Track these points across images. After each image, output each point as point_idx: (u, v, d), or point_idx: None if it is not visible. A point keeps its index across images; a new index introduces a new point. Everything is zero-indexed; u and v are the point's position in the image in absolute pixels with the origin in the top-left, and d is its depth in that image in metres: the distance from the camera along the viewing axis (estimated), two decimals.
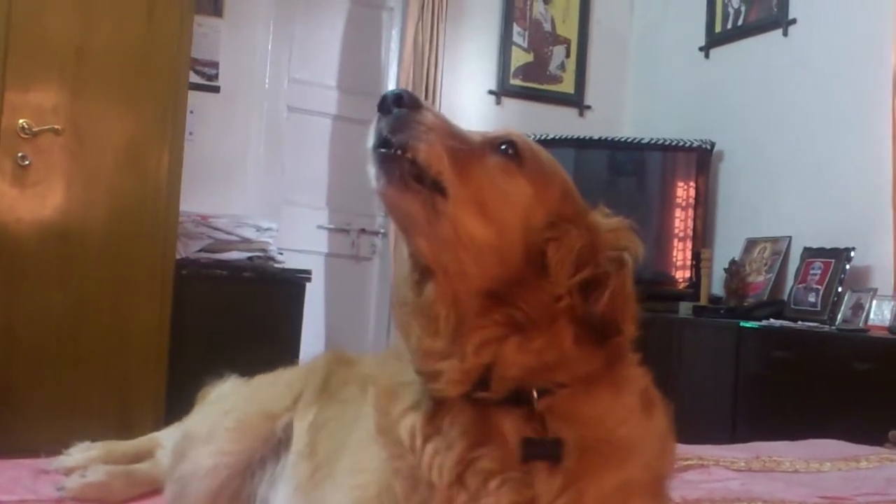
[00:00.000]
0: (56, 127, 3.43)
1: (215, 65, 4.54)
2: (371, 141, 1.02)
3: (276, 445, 1.45)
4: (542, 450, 1.02)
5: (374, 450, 1.12)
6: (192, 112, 4.00)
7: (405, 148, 0.99)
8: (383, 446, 1.10)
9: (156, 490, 1.57)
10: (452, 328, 1.02)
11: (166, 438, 1.66)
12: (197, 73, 4.36)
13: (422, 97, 1.04)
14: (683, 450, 2.11)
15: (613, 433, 1.05)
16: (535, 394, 1.02)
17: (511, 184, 1.05)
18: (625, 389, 1.09)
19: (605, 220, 1.12)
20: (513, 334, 1.02)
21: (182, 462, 1.46)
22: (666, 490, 1.13)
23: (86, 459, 1.63)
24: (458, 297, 1.02)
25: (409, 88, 4.85)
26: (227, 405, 1.53)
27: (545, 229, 1.05)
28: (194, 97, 4.11)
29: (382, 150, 1.00)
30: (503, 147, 1.08)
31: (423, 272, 1.05)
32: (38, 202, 3.43)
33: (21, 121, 3.38)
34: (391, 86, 5.07)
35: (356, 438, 1.25)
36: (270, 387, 1.56)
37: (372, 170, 1.01)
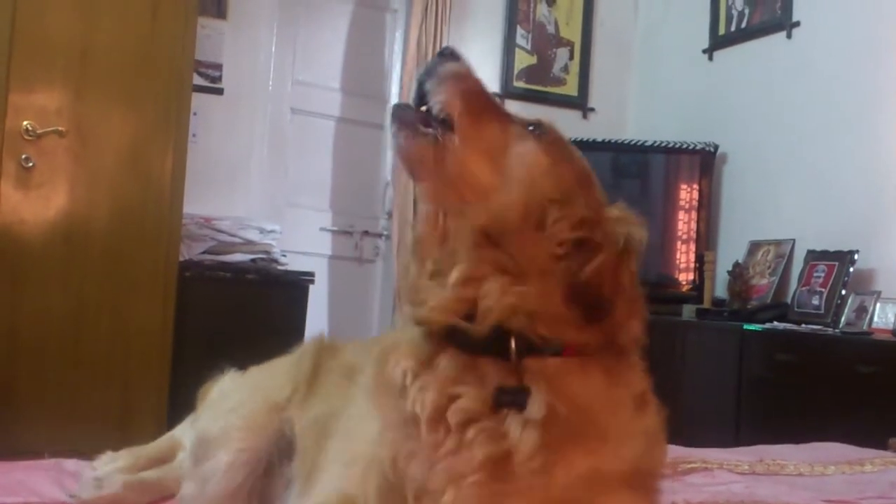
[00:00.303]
0: (60, 129, 3.43)
1: (219, 67, 4.54)
2: (412, 88, 1.15)
3: (287, 445, 1.46)
4: (509, 397, 1.03)
5: (364, 423, 1.15)
6: (195, 114, 4.00)
7: (427, 92, 1.10)
8: (376, 401, 1.13)
9: (166, 497, 1.57)
10: (442, 262, 1.07)
11: (185, 437, 1.66)
12: (200, 75, 4.37)
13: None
14: (687, 453, 2.10)
15: (597, 416, 1.05)
16: (513, 343, 1.04)
17: (526, 149, 1.11)
18: (620, 383, 1.09)
19: (618, 210, 1.15)
20: (500, 275, 1.04)
21: (201, 464, 1.47)
22: (653, 487, 1.13)
23: (114, 471, 1.62)
24: (451, 232, 1.07)
25: (412, 91, 4.83)
26: (233, 402, 1.54)
27: (551, 194, 1.08)
28: (198, 99, 4.11)
29: (398, 104, 1.12)
30: (531, 127, 1.14)
31: (425, 209, 1.11)
32: (42, 204, 3.43)
33: (25, 123, 3.38)
34: (394, 88, 5.07)
35: (343, 422, 1.29)
36: (270, 377, 1.58)
37: (390, 125, 1.13)
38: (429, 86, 1.11)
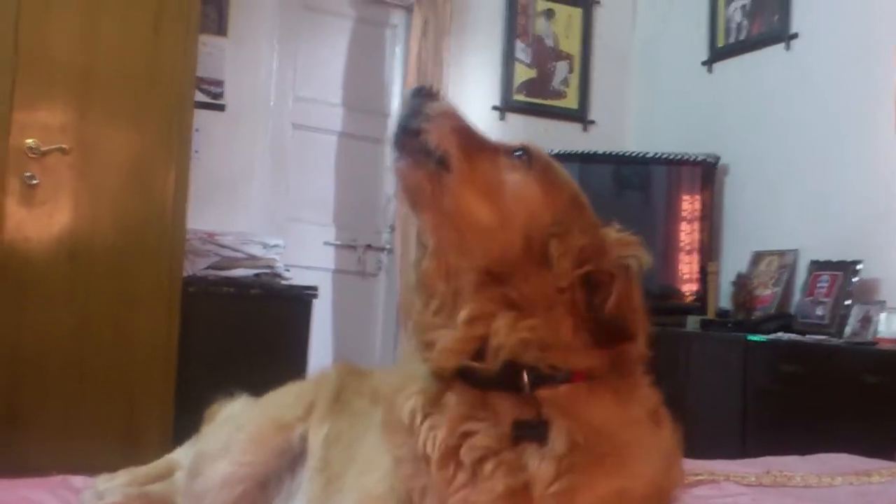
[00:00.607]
0: (63, 146, 3.44)
1: (220, 83, 4.56)
2: (394, 127, 1.14)
3: (292, 459, 1.45)
4: (529, 431, 1.04)
5: (382, 456, 1.14)
6: (197, 130, 4.01)
7: (418, 130, 1.10)
8: (387, 438, 1.13)
9: None
10: (449, 301, 1.07)
11: (184, 458, 1.65)
12: (202, 91, 4.38)
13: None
14: (693, 465, 2.10)
15: (614, 437, 1.06)
16: (525, 375, 1.04)
17: (518, 180, 1.11)
18: (632, 401, 1.10)
19: (614, 232, 1.15)
20: (507, 310, 1.05)
21: (197, 479, 1.46)
22: None
23: (115, 486, 1.62)
24: (455, 270, 1.07)
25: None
26: (240, 421, 1.54)
27: (551, 226, 1.09)
28: (200, 116, 4.12)
29: (399, 132, 1.12)
30: (517, 153, 1.15)
31: (426, 249, 1.10)
32: (46, 221, 3.44)
33: (29, 140, 3.39)
34: (395, 103, 5.09)
35: (366, 447, 1.27)
36: (281, 398, 1.57)
37: (390, 150, 1.12)
38: (416, 124, 1.11)
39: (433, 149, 1.09)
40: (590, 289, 1.07)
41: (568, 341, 1.06)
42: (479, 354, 1.05)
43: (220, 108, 4.55)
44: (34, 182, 3.39)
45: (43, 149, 3.41)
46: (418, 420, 1.07)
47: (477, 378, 1.05)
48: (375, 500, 1.14)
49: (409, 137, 1.11)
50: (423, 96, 1.14)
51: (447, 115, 1.13)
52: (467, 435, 1.04)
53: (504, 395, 1.05)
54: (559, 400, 1.04)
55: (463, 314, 1.05)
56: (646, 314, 1.12)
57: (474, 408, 1.05)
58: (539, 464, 1.02)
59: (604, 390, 1.07)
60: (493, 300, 1.05)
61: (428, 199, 1.08)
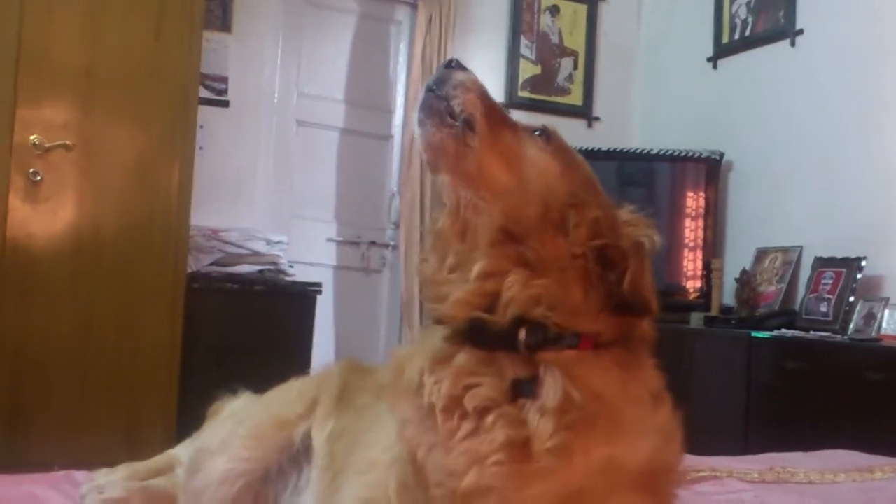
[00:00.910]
0: (67, 143, 3.45)
1: (224, 80, 4.56)
2: (422, 90, 1.18)
3: (294, 455, 1.46)
4: (523, 387, 1.06)
5: (387, 433, 1.17)
6: (201, 127, 4.01)
7: (445, 95, 1.15)
8: (394, 403, 1.14)
9: None
10: (464, 256, 1.10)
11: (185, 454, 1.65)
12: (206, 88, 4.39)
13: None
14: (696, 461, 2.10)
15: (612, 406, 1.07)
16: (523, 333, 1.06)
17: (537, 154, 1.16)
18: (636, 379, 1.12)
19: (627, 213, 1.19)
20: (519, 267, 1.08)
21: (196, 475, 1.46)
22: (669, 484, 1.13)
23: (115, 479, 1.62)
24: (472, 227, 1.10)
25: (418, 101, 4.84)
26: (241, 417, 1.54)
27: (567, 197, 1.13)
28: (204, 112, 4.13)
29: (426, 94, 1.16)
30: (536, 132, 1.19)
31: (447, 204, 1.14)
32: (50, 217, 3.45)
33: (32, 137, 3.40)
34: (399, 99, 5.09)
35: (371, 437, 1.29)
36: (282, 396, 1.57)
37: (415, 113, 1.17)
38: (445, 90, 1.15)
39: (460, 111, 1.13)
40: (603, 263, 1.10)
41: (578, 303, 1.08)
42: (491, 310, 1.07)
43: (225, 104, 4.56)
44: (38, 178, 3.40)
45: (47, 145, 3.42)
46: (425, 377, 1.10)
47: (486, 334, 1.07)
48: (380, 468, 1.17)
49: (436, 100, 1.15)
50: (454, 67, 1.18)
51: (475, 85, 1.17)
52: (471, 386, 1.06)
53: (509, 355, 1.07)
54: (562, 361, 1.06)
55: (477, 268, 1.08)
56: (654, 287, 1.14)
57: (479, 364, 1.08)
58: (538, 419, 1.04)
59: (609, 361, 1.09)
60: (507, 257, 1.08)
61: (451, 158, 1.12)
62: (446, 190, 1.14)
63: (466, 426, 1.05)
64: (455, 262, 1.11)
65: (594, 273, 1.09)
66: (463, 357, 1.09)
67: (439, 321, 1.12)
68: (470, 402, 1.06)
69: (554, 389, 1.05)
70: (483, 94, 1.17)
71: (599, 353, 1.09)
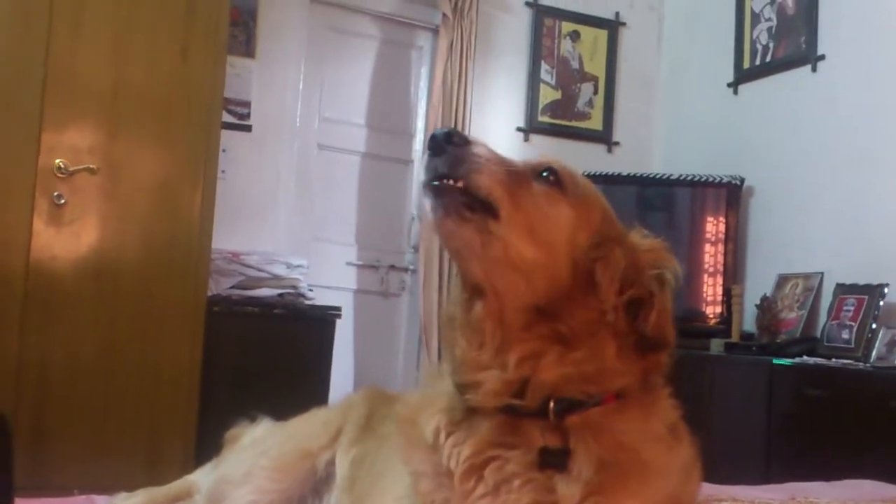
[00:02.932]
0: (91, 166, 3.49)
1: (247, 104, 4.60)
2: (426, 176, 1.09)
3: (316, 484, 1.45)
4: (552, 458, 1.05)
5: (406, 475, 1.15)
6: (224, 151, 4.05)
7: (463, 179, 1.06)
8: (407, 455, 1.14)
9: None
10: (498, 342, 1.07)
11: (202, 481, 1.65)
12: (229, 112, 4.43)
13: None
14: (717, 490, 2.08)
15: (638, 454, 1.07)
16: (552, 405, 1.05)
17: (555, 208, 1.11)
18: (654, 416, 1.12)
19: (643, 240, 1.17)
20: (555, 345, 1.06)
21: None
22: None
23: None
24: (506, 312, 1.07)
25: (439, 126, 4.88)
26: (264, 446, 1.54)
27: (590, 249, 1.10)
28: (227, 136, 4.16)
29: (437, 183, 1.07)
30: (545, 174, 1.14)
31: (472, 292, 1.10)
32: (73, 240, 3.48)
33: (57, 161, 3.44)
34: (420, 124, 5.11)
35: (392, 469, 1.28)
36: (306, 426, 1.57)
37: (428, 202, 1.09)
38: (463, 174, 1.07)
39: (482, 198, 1.06)
40: (631, 307, 1.10)
41: (611, 365, 1.08)
42: (522, 392, 1.06)
43: (247, 128, 4.59)
44: (62, 202, 3.44)
45: (71, 169, 3.45)
46: (442, 438, 1.09)
47: (512, 410, 1.07)
48: None
49: (449, 189, 1.07)
50: (458, 143, 1.09)
51: (489, 160, 1.09)
52: (493, 458, 1.05)
53: (534, 422, 1.07)
54: (589, 422, 1.06)
55: (514, 357, 1.06)
56: (673, 319, 1.14)
57: (503, 433, 1.07)
58: (567, 486, 1.03)
59: (631, 406, 1.10)
60: (541, 338, 1.07)
61: (477, 250, 1.07)
62: (476, 277, 1.09)
63: (482, 489, 1.05)
64: (486, 344, 1.08)
65: (624, 324, 1.09)
66: (485, 425, 1.07)
67: (472, 407, 1.09)
68: (491, 476, 1.05)
69: (587, 464, 1.04)
70: (496, 167, 1.09)
71: (623, 402, 1.09)
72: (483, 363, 1.07)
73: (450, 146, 1.08)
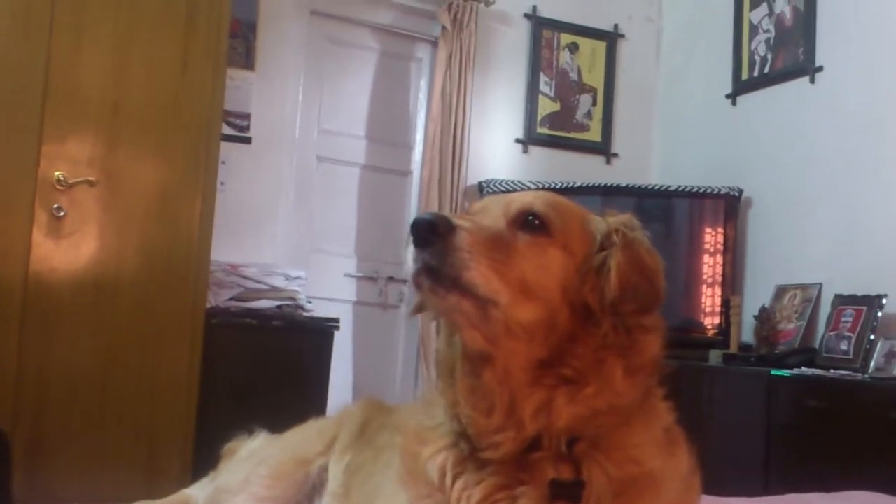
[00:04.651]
0: (91, 179, 3.49)
1: (247, 116, 4.62)
2: (414, 268, 1.05)
3: (310, 490, 1.46)
4: (564, 491, 1.05)
5: (403, 496, 1.15)
6: (223, 163, 4.06)
7: (456, 277, 1.03)
8: (409, 489, 1.13)
9: None
10: (507, 403, 1.06)
11: (200, 494, 1.66)
12: (229, 124, 4.44)
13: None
14: (716, 501, 2.08)
15: (645, 467, 1.07)
16: (563, 446, 1.06)
17: (546, 257, 1.10)
18: (652, 422, 1.12)
19: (612, 219, 1.17)
20: (562, 388, 1.06)
21: None
22: None
23: None
24: (510, 373, 1.06)
25: (438, 137, 4.90)
26: (261, 456, 1.54)
27: (580, 278, 1.10)
28: (226, 148, 4.17)
29: (429, 276, 1.04)
30: (530, 218, 1.12)
31: (476, 359, 1.08)
32: (72, 252, 3.48)
33: (57, 173, 3.44)
34: (419, 136, 5.12)
35: (388, 482, 1.28)
36: (302, 435, 1.57)
37: (420, 290, 1.05)
38: (456, 271, 1.03)
39: (480, 292, 1.03)
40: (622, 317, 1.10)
41: (620, 388, 1.07)
42: (538, 437, 1.07)
43: (247, 140, 4.60)
44: (62, 214, 3.44)
45: (71, 181, 3.46)
46: (448, 479, 1.08)
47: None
48: None
49: (444, 282, 1.04)
50: (443, 233, 1.04)
51: (476, 247, 1.05)
52: (505, 498, 1.05)
53: (544, 455, 1.07)
54: (598, 444, 1.07)
55: (526, 414, 1.05)
56: (660, 276, 1.12)
57: (511, 471, 1.06)
58: None
59: (634, 415, 1.10)
60: (549, 387, 1.06)
61: (479, 324, 1.05)
62: (473, 345, 1.07)
63: None
64: (496, 411, 1.07)
65: (625, 339, 1.08)
66: (494, 465, 1.07)
67: (489, 459, 1.08)
68: None
69: (603, 492, 1.05)
70: (488, 247, 1.05)
71: (627, 414, 1.09)
72: (497, 427, 1.07)
73: (435, 235, 1.04)
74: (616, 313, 1.08)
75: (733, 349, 4.43)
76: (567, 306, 1.08)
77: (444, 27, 4.96)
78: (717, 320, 4.75)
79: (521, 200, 1.14)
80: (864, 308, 3.97)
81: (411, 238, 1.06)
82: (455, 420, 1.11)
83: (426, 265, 1.04)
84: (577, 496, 1.04)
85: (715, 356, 4.40)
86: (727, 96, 5.12)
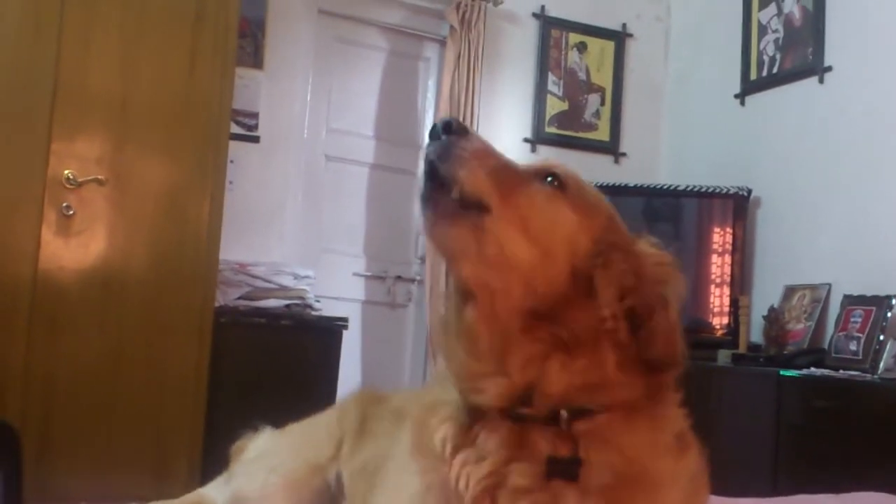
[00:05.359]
0: (100, 177, 3.50)
1: (255, 115, 4.62)
2: (422, 167, 1.08)
3: (330, 498, 1.46)
4: (561, 468, 1.03)
5: (410, 478, 1.14)
6: (232, 161, 4.06)
7: (450, 178, 1.04)
8: (416, 461, 1.13)
9: None
10: (496, 348, 1.05)
11: (216, 495, 1.65)
12: (237, 123, 4.44)
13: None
14: (724, 502, 2.07)
15: (647, 465, 1.06)
16: (563, 413, 1.04)
17: (555, 211, 1.09)
18: (662, 426, 1.10)
19: (650, 250, 1.15)
20: (557, 352, 1.04)
21: None
22: None
23: None
24: (501, 316, 1.05)
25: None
26: (272, 461, 1.54)
27: (591, 255, 1.08)
28: (235, 147, 4.18)
29: (428, 186, 1.06)
30: (548, 178, 1.12)
31: (465, 296, 1.07)
32: (81, 251, 3.49)
33: (66, 171, 3.45)
34: (427, 135, 5.11)
35: (391, 471, 1.28)
36: (311, 436, 1.57)
37: (419, 204, 1.07)
38: (450, 168, 1.05)
39: (470, 197, 1.04)
40: (632, 319, 1.07)
41: (614, 377, 1.06)
42: (528, 397, 1.05)
43: (255, 139, 4.61)
44: (70, 213, 3.45)
45: (80, 180, 3.47)
46: (448, 450, 1.07)
47: (519, 414, 1.06)
48: None
49: (439, 189, 1.05)
50: (455, 132, 1.07)
51: (478, 153, 1.07)
52: (502, 475, 1.04)
53: (541, 429, 1.05)
54: (596, 431, 1.05)
55: (515, 360, 1.04)
56: (683, 338, 1.11)
57: (510, 446, 1.05)
58: (574, 501, 1.03)
59: (638, 417, 1.08)
60: (542, 340, 1.04)
61: (470, 252, 1.04)
62: (469, 281, 1.06)
63: None
64: (486, 351, 1.05)
65: (625, 334, 1.06)
66: (491, 437, 1.06)
67: (476, 409, 1.08)
68: (504, 498, 1.03)
69: (599, 473, 1.04)
70: (489, 162, 1.07)
71: (630, 413, 1.08)
72: (484, 371, 1.06)
73: (445, 135, 1.07)
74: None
75: (742, 349, 4.42)
76: (569, 269, 1.06)
77: (452, 27, 4.96)
78: (725, 320, 4.74)
79: (544, 162, 1.15)
80: (874, 308, 3.96)
81: (429, 134, 1.08)
82: (456, 380, 1.10)
83: (427, 159, 1.06)
84: (574, 474, 1.03)
85: (723, 356, 4.38)
86: (736, 96, 5.10)
